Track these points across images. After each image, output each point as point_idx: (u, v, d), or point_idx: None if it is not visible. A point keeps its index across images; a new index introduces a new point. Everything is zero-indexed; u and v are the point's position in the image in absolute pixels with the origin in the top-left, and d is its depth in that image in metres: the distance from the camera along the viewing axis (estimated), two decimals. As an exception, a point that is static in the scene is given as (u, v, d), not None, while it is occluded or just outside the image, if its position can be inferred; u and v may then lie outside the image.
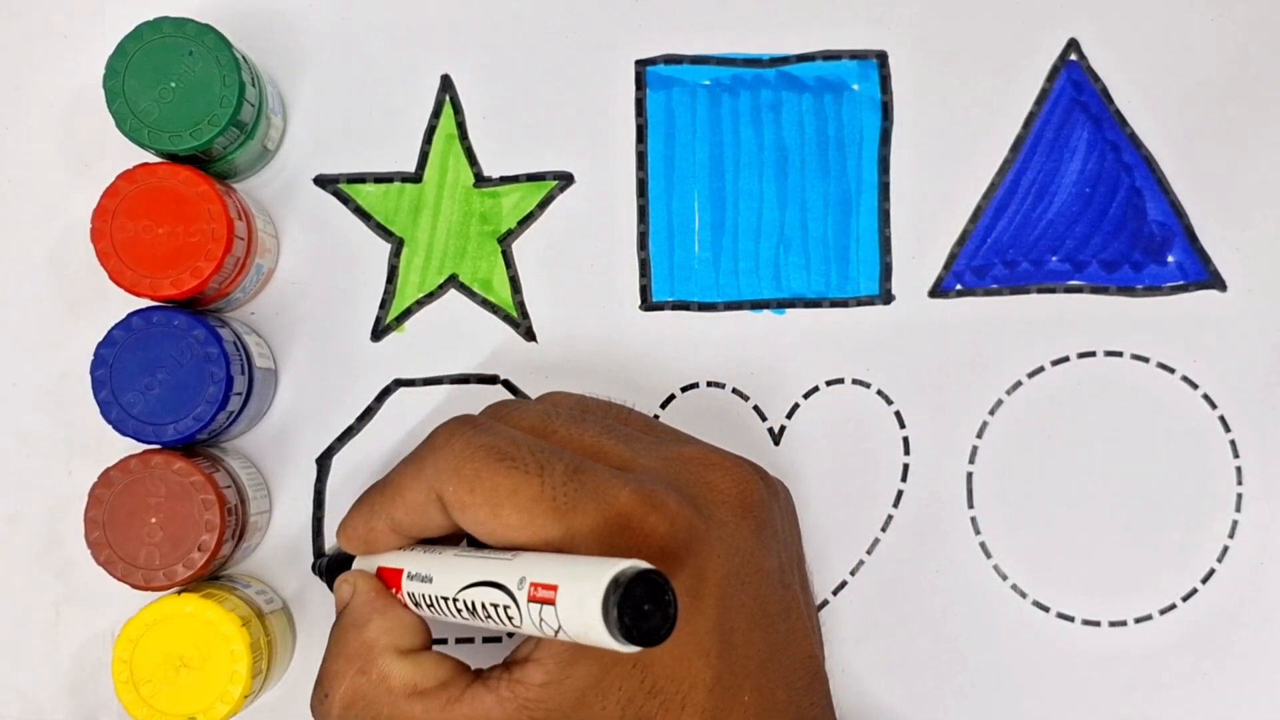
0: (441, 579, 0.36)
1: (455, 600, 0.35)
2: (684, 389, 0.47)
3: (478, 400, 0.46)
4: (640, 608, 0.29)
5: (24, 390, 0.46)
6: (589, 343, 0.47)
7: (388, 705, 0.36)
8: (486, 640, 0.46)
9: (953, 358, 0.47)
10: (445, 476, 0.36)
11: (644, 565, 0.30)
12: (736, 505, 0.37)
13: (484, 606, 0.34)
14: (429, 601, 0.36)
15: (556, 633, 0.31)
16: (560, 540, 0.34)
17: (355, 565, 0.40)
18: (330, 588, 0.42)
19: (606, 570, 0.30)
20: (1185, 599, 0.47)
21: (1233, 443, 0.47)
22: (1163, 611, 0.47)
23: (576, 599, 0.30)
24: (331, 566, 0.42)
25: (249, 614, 0.42)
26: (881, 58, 0.47)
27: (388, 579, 0.39)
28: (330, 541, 0.46)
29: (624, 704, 0.34)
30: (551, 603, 0.31)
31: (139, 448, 0.42)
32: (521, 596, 0.32)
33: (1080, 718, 0.46)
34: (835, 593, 0.46)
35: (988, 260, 0.47)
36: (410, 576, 0.37)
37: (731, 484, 0.37)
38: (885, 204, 0.47)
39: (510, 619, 0.33)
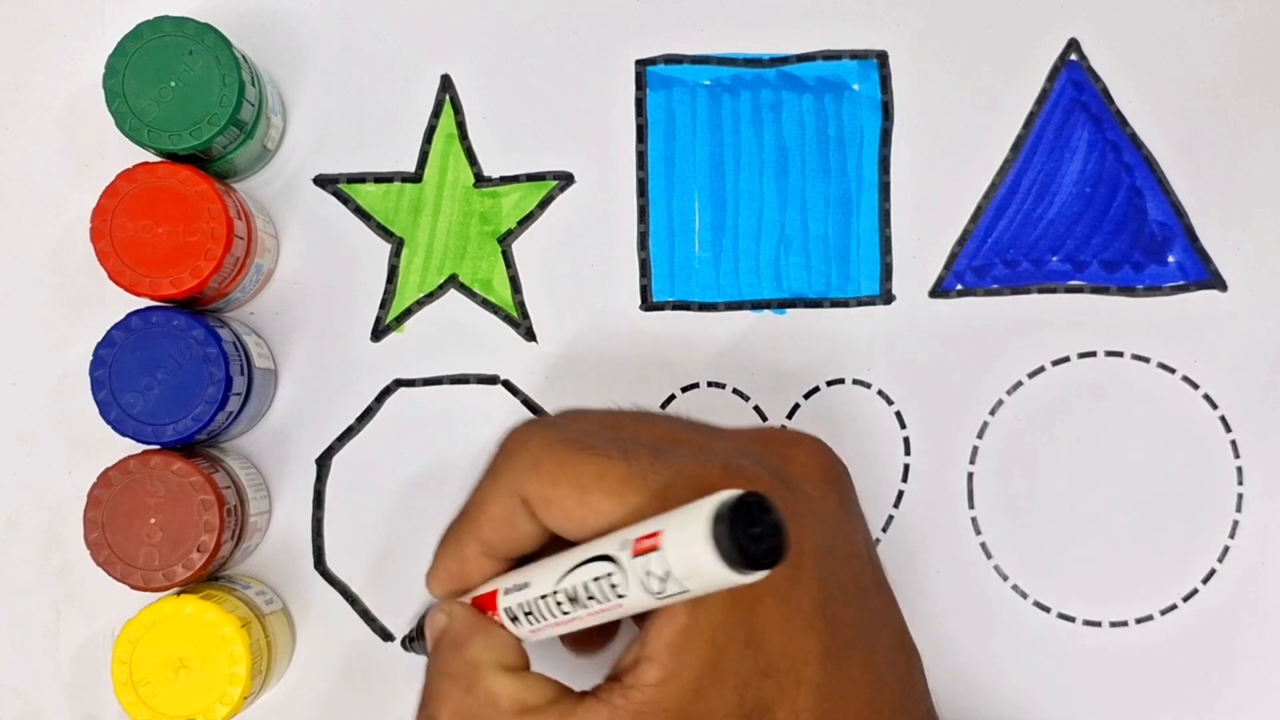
0: (539, 578, 0.35)
1: (556, 594, 0.34)
2: (684, 389, 0.47)
3: (478, 400, 0.46)
4: (749, 530, 0.29)
5: (24, 390, 0.46)
6: (589, 343, 0.46)
7: None
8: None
9: (953, 358, 0.47)
10: (526, 476, 0.35)
11: (741, 491, 0.29)
12: (821, 479, 0.36)
13: (586, 587, 0.33)
14: (528, 609, 0.35)
15: (665, 583, 0.30)
16: (655, 515, 0.33)
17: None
18: (421, 650, 0.41)
19: (707, 502, 0.29)
20: (1186, 599, 0.47)
21: (1233, 443, 0.47)
22: (1163, 611, 0.47)
23: (683, 537, 0.29)
24: (421, 627, 0.41)
25: (248, 615, 0.42)
26: (881, 58, 0.47)
27: (482, 606, 0.38)
28: (331, 540, 0.46)
29: (740, 689, 0.33)
30: (657, 547, 0.30)
31: (138, 448, 0.42)
32: (625, 557, 0.31)
33: (1080, 718, 0.46)
34: (836, 593, 0.46)
35: (988, 260, 0.47)
36: (506, 591, 0.36)
37: (813, 458, 0.37)
38: (886, 204, 0.47)
39: (615, 588, 0.32)
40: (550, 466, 0.34)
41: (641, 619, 0.33)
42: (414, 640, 0.42)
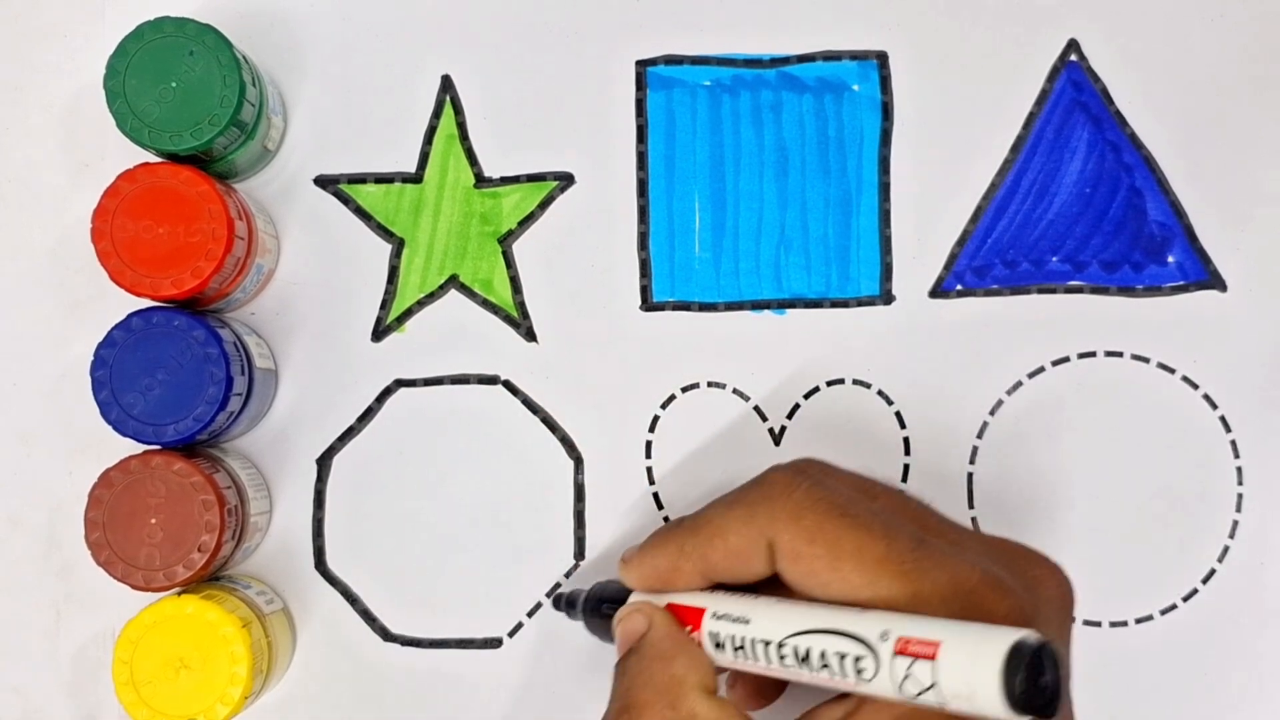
0: (765, 622, 0.35)
1: (784, 646, 0.34)
2: (684, 389, 0.47)
3: (478, 400, 0.46)
4: (1039, 678, 0.29)
5: (24, 390, 0.46)
6: (589, 343, 0.47)
7: None
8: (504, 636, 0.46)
9: (953, 358, 0.47)
10: (782, 524, 0.35)
11: (1041, 636, 0.29)
12: (1059, 606, 0.36)
13: (823, 655, 0.33)
14: (738, 644, 0.35)
15: (921, 693, 0.30)
16: (905, 604, 0.33)
17: (635, 599, 0.39)
18: (586, 619, 0.42)
19: (1005, 635, 0.29)
20: (1185, 599, 0.47)
21: (1233, 443, 0.47)
22: (1163, 611, 0.47)
23: (969, 658, 0.29)
24: (594, 596, 0.41)
25: (249, 615, 0.42)
26: (881, 58, 0.47)
27: (680, 617, 0.37)
28: (331, 540, 0.46)
29: None
30: (932, 658, 0.30)
31: (139, 448, 0.42)
32: (884, 650, 0.31)
33: (1080, 717, 0.46)
34: (836, 593, 0.46)
35: (988, 260, 0.47)
36: (718, 616, 0.36)
37: (1056, 585, 0.36)
38: (885, 204, 0.47)
39: (861, 672, 0.32)
40: (811, 524, 0.35)
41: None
42: (570, 606, 0.42)
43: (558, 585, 0.46)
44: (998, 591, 0.33)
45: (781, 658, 0.34)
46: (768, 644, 0.34)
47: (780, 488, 0.36)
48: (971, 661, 0.29)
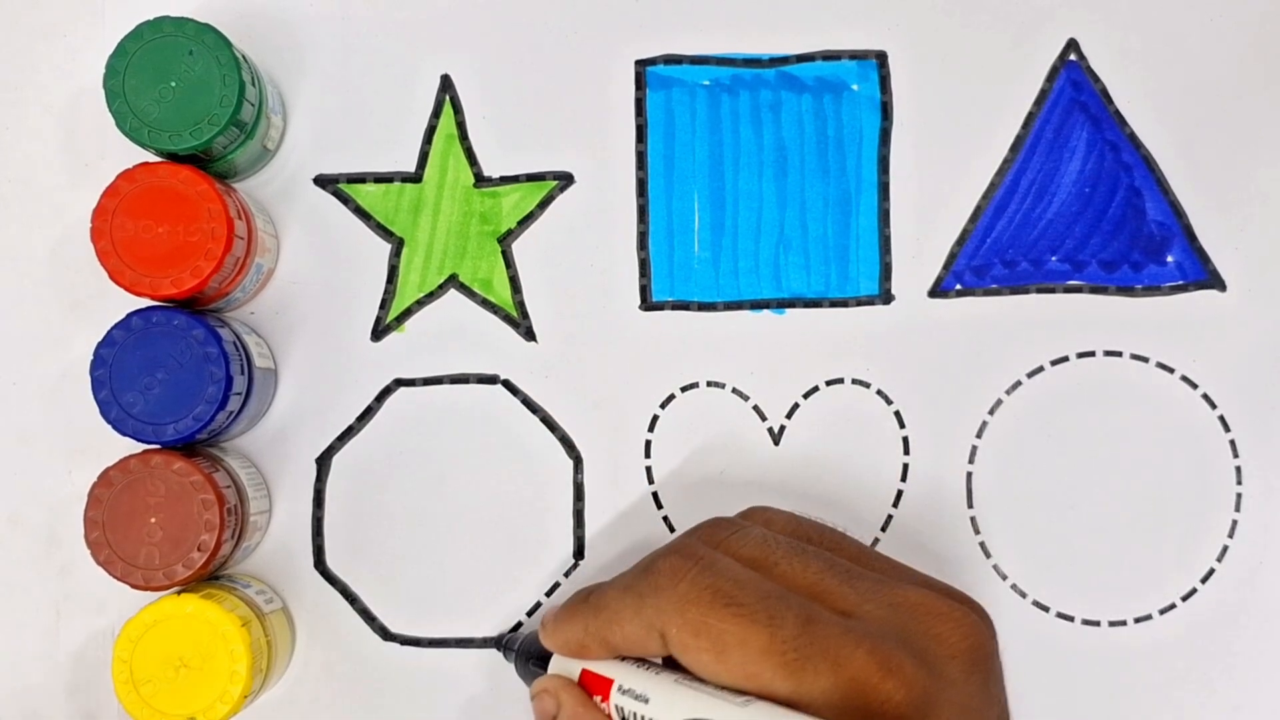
0: (661, 703, 0.35)
1: None
2: (684, 389, 0.47)
3: (478, 400, 0.46)
4: None
5: (24, 390, 0.46)
6: (589, 343, 0.47)
7: None
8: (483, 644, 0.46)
9: (953, 358, 0.47)
10: (668, 617, 0.35)
11: None
12: (966, 659, 0.35)
13: None
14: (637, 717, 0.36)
15: None
16: (789, 696, 0.33)
17: (555, 662, 0.40)
18: (517, 668, 0.43)
19: None
20: (1185, 599, 0.47)
21: (1232, 443, 0.47)
22: (1162, 611, 0.47)
23: None
24: (524, 649, 0.42)
25: (249, 614, 0.42)
26: (881, 58, 0.47)
27: (591, 684, 0.38)
28: (331, 539, 0.46)
29: None
30: None
31: (139, 447, 0.42)
32: None
33: (1079, 717, 0.46)
34: (835, 592, 0.46)
35: (987, 260, 0.47)
36: (623, 691, 0.37)
37: (961, 637, 0.36)
38: (885, 204, 0.47)
39: None
40: (694, 617, 0.35)
41: None
42: (510, 652, 0.43)
43: (557, 585, 0.46)
44: (884, 672, 0.33)
45: None
46: None
47: (666, 578, 0.36)
48: None
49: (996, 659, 0.37)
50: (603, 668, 0.38)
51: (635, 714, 0.36)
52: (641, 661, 0.38)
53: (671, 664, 0.37)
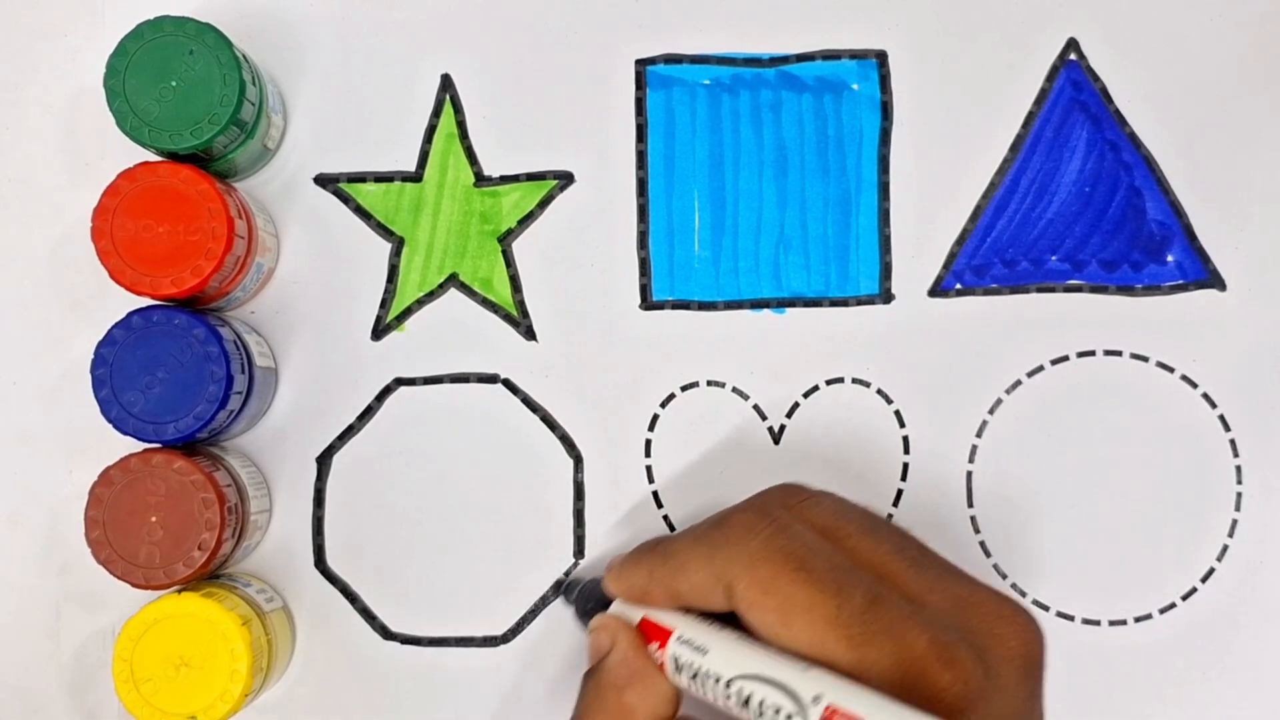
0: (720, 657, 0.35)
1: (729, 684, 0.35)
2: (684, 388, 0.47)
3: (478, 399, 0.46)
4: None
5: (24, 390, 0.46)
6: (589, 342, 0.47)
7: None
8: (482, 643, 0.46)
9: (953, 357, 0.47)
10: (738, 571, 0.35)
11: None
12: (1021, 665, 0.35)
13: (761, 704, 0.33)
14: (694, 672, 0.36)
15: None
16: (848, 667, 0.33)
17: (615, 607, 0.40)
18: (577, 611, 0.43)
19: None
20: (1185, 598, 0.47)
21: (1232, 442, 0.47)
22: (1162, 611, 0.47)
23: None
24: (585, 593, 0.42)
25: (249, 613, 0.42)
26: (881, 58, 0.47)
27: (649, 633, 0.38)
28: (331, 538, 0.46)
29: None
30: None
31: (139, 446, 0.42)
32: (814, 712, 0.32)
33: (1079, 717, 0.46)
34: (835, 592, 0.46)
35: (987, 260, 0.47)
36: (683, 640, 0.37)
37: (1020, 642, 0.36)
38: (885, 203, 0.47)
39: None
40: (764, 576, 0.35)
41: None
42: (571, 594, 0.43)
43: (558, 583, 0.46)
44: (944, 663, 0.33)
45: (727, 695, 0.35)
46: (718, 680, 0.35)
47: (740, 532, 0.36)
48: None
49: (1044, 673, 0.37)
50: (663, 617, 0.38)
51: (692, 664, 0.36)
52: (703, 616, 0.37)
53: (730, 625, 0.36)
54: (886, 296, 0.47)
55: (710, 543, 0.37)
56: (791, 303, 0.47)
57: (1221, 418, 0.47)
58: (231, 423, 0.43)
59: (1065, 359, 0.47)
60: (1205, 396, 0.47)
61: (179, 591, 0.42)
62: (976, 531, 0.47)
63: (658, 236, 0.47)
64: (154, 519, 0.41)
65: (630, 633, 0.39)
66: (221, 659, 0.41)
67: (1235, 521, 0.47)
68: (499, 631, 0.46)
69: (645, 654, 0.38)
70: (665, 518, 0.46)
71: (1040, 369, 0.47)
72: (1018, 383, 0.47)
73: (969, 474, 0.47)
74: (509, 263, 0.47)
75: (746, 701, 0.34)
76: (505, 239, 0.47)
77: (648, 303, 0.47)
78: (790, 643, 0.34)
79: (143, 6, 0.45)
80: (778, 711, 0.33)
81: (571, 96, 0.47)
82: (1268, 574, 0.47)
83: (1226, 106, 0.47)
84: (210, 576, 0.44)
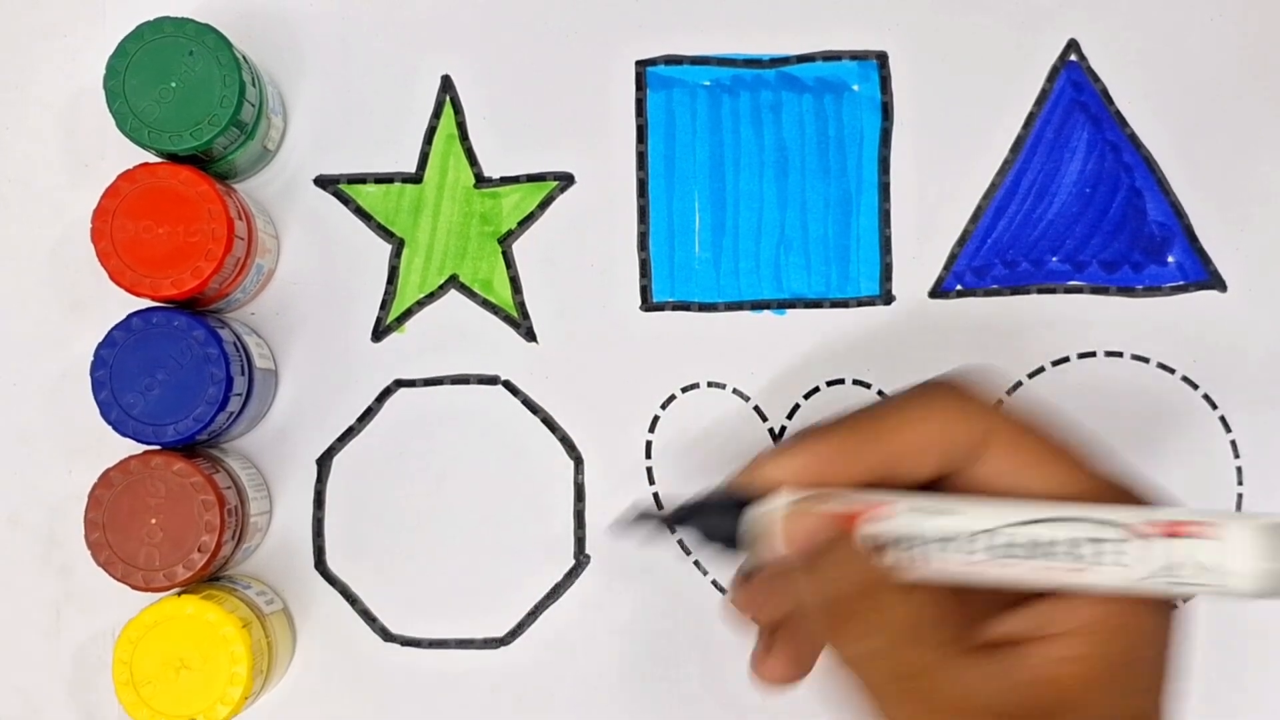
0: (978, 511, 0.33)
1: (1009, 533, 0.32)
2: (684, 389, 0.47)
3: (478, 401, 0.46)
4: None
5: (24, 390, 0.46)
6: (589, 343, 0.47)
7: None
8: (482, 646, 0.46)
9: (953, 358, 0.47)
10: (995, 419, 0.34)
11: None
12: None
13: (1051, 543, 0.32)
14: (940, 537, 0.33)
15: (1181, 574, 0.32)
16: (1107, 502, 0.33)
17: (769, 502, 0.34)
18: (700, 526, 0.35)
19: (1263, 518, 0.31)
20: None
21: (1233, 443, 0.47)
22: (1163, 611, 0.47)
23: (1254, 542, 0.31)
24: (709, 507, 0.35)
25: (249, 615, 0.42)
26: (881, 58, 0.47)
27: (843, 523, 0.34)
28: (331, 540, 0.46)
29: (1129, 695, 0.34)
30: (1213, 538, 0.31)
31: (139, 448, 0.42)
32: (1152, 533, 0.32)
33: (1080, 718, 0.46)
34: (836, 593, 0.46)
35: (988, 260, 0.47)
36: (916, 509, 0.33)
37: None
38: (885, 204, 0.47)
39: (1099, 554, 0.32)
40: (1023, 422, 0.34)
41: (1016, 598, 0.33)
42: (679, 518, 0.36)
43: (558, 585, 0.46)
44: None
45: (996, 548, 0.32)
46: (978, 534, 0.32)
47: (974, 389, 0.35)
48: (1255, 538, 0.31)
49: None
50: (847, 502, 0.33)
51: (937, 530, 0.33)
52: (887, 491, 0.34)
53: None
54: (887, 297, 0.47)
55: (939, 396, 0.34)
56: (792, 304, 0.47)
57: (1222, 419, 0.47)
58: (231, 424, 0.43)
59: (1066, 360, 0.47)
60: (1206, 397, 0.47)
61: (179, 593, 0.42)
62: (977, 533, 0.47)
63: (658, 238, 0.47)
64: (154, 521, 0.41)
65: (831, 521, 0.34)
66: (221, 661, 0.41)
67: (1236, 523, 0.47)
68: (500, 633, 0.46)
69: (851, 540, 0.33)
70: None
71: (1041, 370, 0.47)
72: (1018, 383, 0.47)
73: (969, 475, 0.47)
74: (509, 264, 0.47)
75: (1036, 543, 0.32)
76: (505, 240, 0.47)
77: (648, 304, 0.47)
78: (1041, 485, 0.33)
79: (143, 7, 0.45)
80: (1094, 542, 0.32)
81: (572, 97, 0.47)
82: (1268, 575, 0.47)
83: (1226, 106, 0.47)
84: (210, 578, 0.44)
